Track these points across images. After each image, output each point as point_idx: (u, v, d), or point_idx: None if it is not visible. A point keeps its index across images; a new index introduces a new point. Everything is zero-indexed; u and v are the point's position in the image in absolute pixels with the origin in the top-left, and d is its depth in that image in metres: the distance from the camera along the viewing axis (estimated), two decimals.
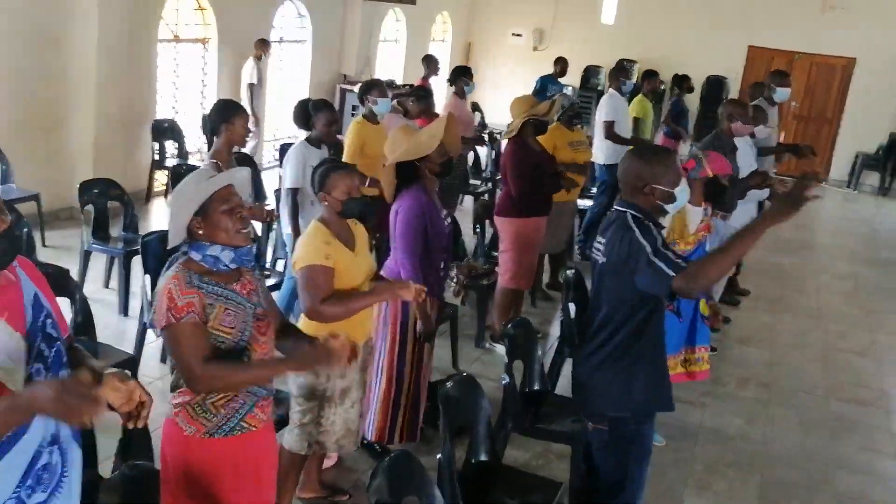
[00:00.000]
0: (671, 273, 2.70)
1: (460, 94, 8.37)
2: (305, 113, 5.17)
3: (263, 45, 9.60)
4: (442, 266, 4.08)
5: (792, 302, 7.67)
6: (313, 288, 3.22)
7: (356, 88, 7.03)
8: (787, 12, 13.69)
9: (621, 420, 3.03)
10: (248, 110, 9.26)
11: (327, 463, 3.98)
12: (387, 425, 4.00)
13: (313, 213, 3.94)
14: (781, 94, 7.28)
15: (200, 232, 2.47)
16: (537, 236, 5.64)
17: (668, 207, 2.99)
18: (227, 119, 4.59)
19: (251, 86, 9.42)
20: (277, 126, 11.07)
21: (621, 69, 8.60)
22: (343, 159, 5.63)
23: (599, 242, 3.04)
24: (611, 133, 7.84)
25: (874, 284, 8.65)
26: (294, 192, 4.98)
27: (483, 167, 9.99)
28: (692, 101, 13.15)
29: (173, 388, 2.57)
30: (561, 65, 11.35)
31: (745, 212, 5.99)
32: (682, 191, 2.98)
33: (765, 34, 14.03)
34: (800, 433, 5.07)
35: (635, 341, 2.98)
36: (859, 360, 6.39)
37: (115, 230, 6.14)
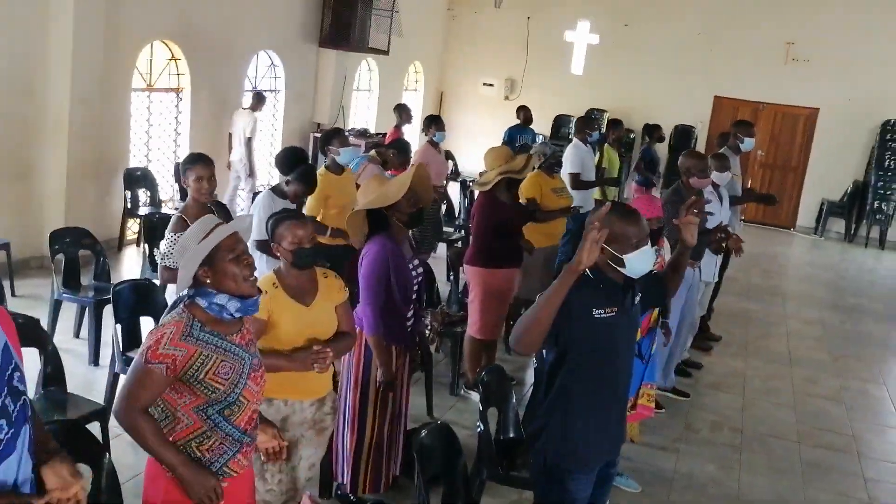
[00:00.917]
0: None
1: (432, 142, 8.45)
2: (289, 160, 5.14)
3: (259, 98, 9.81)
4: (411, 314, 4.09)
5: (762, 347, 7.75)
6: None
7: None
8: (750, 64, 14.08)
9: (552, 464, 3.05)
10: (248, 163, 9.39)
11: None
12: (350, 475, 3.98)
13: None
14: (748, 144, 7.44)
15: (208, 280, 2.49)
16: (506, 287, 5.64)
17: (624, 272, 2.89)
18: (185, 174, 4.59)
19: (249, 140, 9.55)
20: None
21: (587, 120, 8.76)
22: (305, 210, 5.62)
23: None
24: (576, 183, 7.94)
25: (841, 330, 8.77)
26: (260, 243, 4.82)
27: (456, 215, 10.06)
28: (662, 150, 13.39)
29: None
30: (524, 113, 11.49)
31: (709, 261, 6.10)
32: (636, 258, 2.87)
33: (730, 85, 14.39)
34: (772, 478, 5.09)
35: (564, 391, 2.96)
36: (829, 405, 6.46)
37: (86, 279, 6.10)
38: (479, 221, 5.59)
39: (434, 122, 8.57)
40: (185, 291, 2.57)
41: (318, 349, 3.23)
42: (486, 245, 5.51)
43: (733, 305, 8.74)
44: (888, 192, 13.65)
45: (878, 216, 13.74)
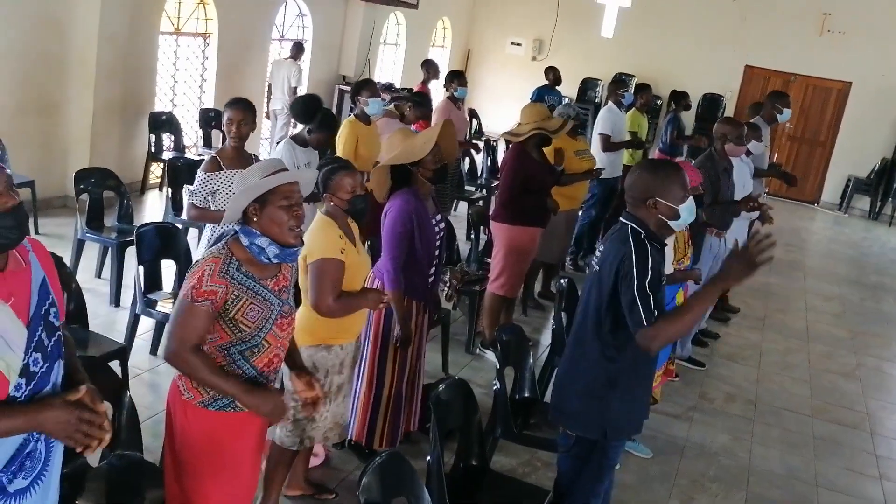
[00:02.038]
0: (643, 321, 2.72)
1: (452, 98, 8.36)
2: (309, 108, 5.11)
3: (298, 48, 10.18)
4: (433, 271, 4.09)
5: (779, 321, 7.71)
6: (327, 282, 3.27)
7: None
8: (784, 34, 13.79)
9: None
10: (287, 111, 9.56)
11: (314, 461, 3.98)
12: (365, 428, 4.01)
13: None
14: (785, 115, 7.29)
15: (255, 219, 2.52)
16: (530, 246, 5.63)
17: (673, 225, 2.96)
18: (224, 116, 4.59)
19: (294, 89, 9.86)
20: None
21: (619, 82, 8.65)
22: None
23: (599, 251, 3.05)
24: (607, 146, 7.88)
25: (860, 307, 8.71)
26: None
27: (479, 173, 10.01)
28: (688, 118, 13.23)
29: None
30: (553, 73, 11.40)
31: (739, 228, 6.05)
32: (687, 209, 2.93)
33: (762, 54, 14.13)
34: (784, 452, 5.10)
35: (609, 363, 2.94)
36: (844, 381, 6.44)
37: (110, 220, 6.13)
38: (508, 174, 5.55)
39: (456, 78, 8.47)
40: (231, 226, 2.58)
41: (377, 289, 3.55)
42: (513, 201, 5.49)
43: (753, 279, 8.65)
44: None
45: None
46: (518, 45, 15.64)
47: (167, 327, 2.59)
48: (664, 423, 5.09)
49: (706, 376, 6.03)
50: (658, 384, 4.55)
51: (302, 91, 10.08)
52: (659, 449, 4.76)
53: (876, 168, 13.71)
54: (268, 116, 10.07)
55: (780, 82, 13.93)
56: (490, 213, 5.84)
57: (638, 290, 2.74)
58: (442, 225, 4.12)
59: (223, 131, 4.86)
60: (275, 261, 2.54)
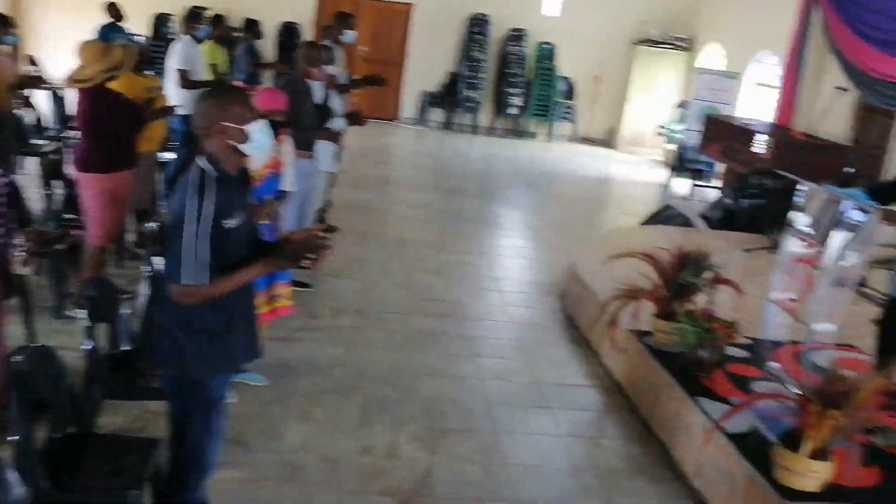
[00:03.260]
0: (184, 275, 2.70)
1: None
2: None
3: None
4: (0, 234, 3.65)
5: (377, 233, 8.21)
6: None
7: None
8: None
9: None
10: None
11: None
12: None
13: None
14: (348, 35, 7.62)
15: None
16: (124, 190, 5.38)
17: (246, 149, 2.88)
18: None
19: None
20: None
21: (194, 15, 8.35)
22: None
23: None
24: (185, 81, 7.61)
25: (444, 210, 9.61)
26: None
27: (47, 124, 9.09)
28: (266, 47, 13.25)
29: None
30: (114, 10, 10.68)
31: (324, 151, 6.27)
32: (257, 129, 2.87)
33: None
34: (389, 351, 5.49)
35: (181, 304, 2.85)
36: (435, 278, 7.09)
37: None
38: (87, 122, 5.15)
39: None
40: None
41: None
42: (97, 147, 5.15)
43: (349, 196, 9.10)
44: (476, 82, 14.96)
45: (469, 104, 15.06)
46: None
47: None
48: (275, 349, 5.15)
49: (313, 295, 6.23)
50: (269, 317, 4.59)
51: None
52: (274, 374, 4.84)
53: (443, 82, 15.02)
54: None
55: (350, 5, 14.45)
56: (74, 164, 5.38)
57: (185, 243, 2.69)
58: (4, 181, 3.67)
59: None
60: None
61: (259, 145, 2.92)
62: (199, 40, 8.06)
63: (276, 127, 4.33)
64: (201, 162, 2.83)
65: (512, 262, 8.10)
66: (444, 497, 3.90)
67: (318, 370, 5.08)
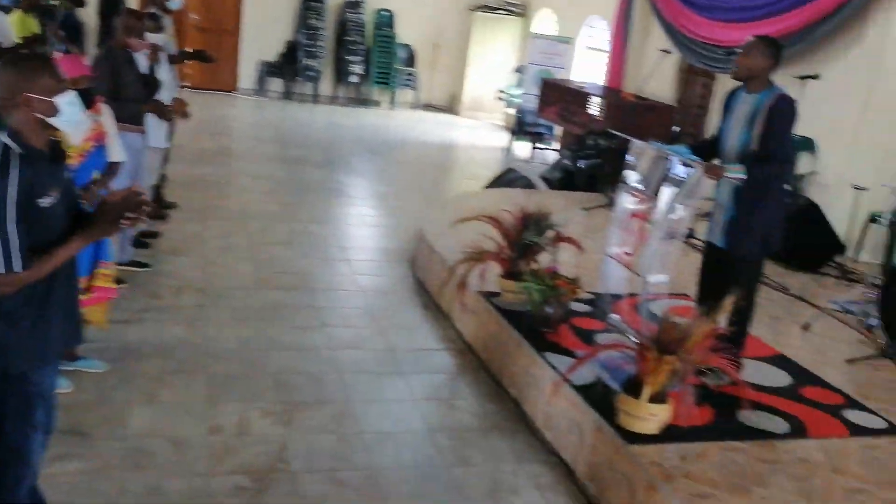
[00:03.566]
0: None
1: None
2: None
3: None
4: None
5: (218, 208, 7.93)
6: None
7: None
8: None
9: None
10: None
11: None
12: None
13: None
14: (175, 3, 7.27)
15: None
16: None
17: (56, 122, 2.65)
18: None
19: None
20: None
21: None
22: None
23: None
24: None
25: (287, 180, 9.41)
26: None
27: None
28: (89, 16, 12.48)
29: None
30: None
31: (157, 127, 5.99)
32: (67, 102, 2.65)
33: None
34: (236, 327, 5.33)
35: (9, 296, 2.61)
36: (282, 249, 6.94)
37: None
38: None
39: None
40: None
41: None
42: None
43: (186, 172, 8.74)
44: (315, 51, 14.69)
45: (309, 73, 14.77)
46: None
47: None
48: (116, 332, 4.92)
49: (153, 275, 5.96)
50: (94, 303, 4.33)
51: None
52: (115, 358, 4.60)
53: (282, 51, 14.64)
54: None
55: None
56: None
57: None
58: None
59: None
60: None
61: (72, 119, 2.70)
62: (6, 10, 7.44)
63: (89, 96, 4.06)
64: (3, 137, 2.58)
65: (359, 230, 8.05)
66: (300, 470, 3.85)
67: (162, 351, 4.87)
